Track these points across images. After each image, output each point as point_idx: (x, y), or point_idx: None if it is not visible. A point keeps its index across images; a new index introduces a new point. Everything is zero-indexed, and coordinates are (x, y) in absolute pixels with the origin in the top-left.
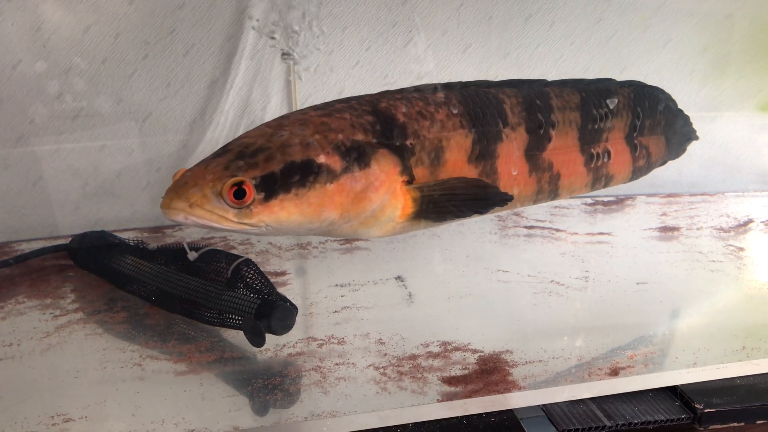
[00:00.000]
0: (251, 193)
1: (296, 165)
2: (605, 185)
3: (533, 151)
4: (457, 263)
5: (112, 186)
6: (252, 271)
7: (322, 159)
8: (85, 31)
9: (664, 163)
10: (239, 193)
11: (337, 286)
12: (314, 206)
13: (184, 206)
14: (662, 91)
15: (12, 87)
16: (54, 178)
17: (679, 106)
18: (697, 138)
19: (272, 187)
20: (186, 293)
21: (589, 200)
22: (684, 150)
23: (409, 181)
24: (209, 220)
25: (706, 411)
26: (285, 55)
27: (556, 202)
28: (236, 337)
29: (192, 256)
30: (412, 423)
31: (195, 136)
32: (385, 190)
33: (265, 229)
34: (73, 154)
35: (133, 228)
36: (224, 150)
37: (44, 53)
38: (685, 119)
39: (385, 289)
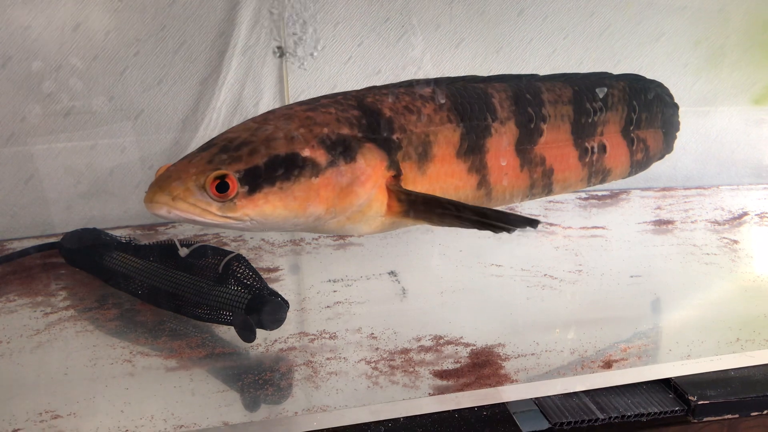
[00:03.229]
0: (235, 186)
1: (281, 158)
2: (603, 180)
3: (524, 146)
4: (451, 258)
5: (104, 184)
6: (243, 267)
7: (306, 152)
8: (75, 28)
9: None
10: (222, 186)
11: (329, 281)
12: (299, 200)
13: (167, 200)
14: (659, 85)
15: (2, 84)
16: (46, 176)
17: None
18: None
19: (256, 180)
20: (177, 289)
21: (583, 194)
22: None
23: (397, 176)
24: (192, 214)
25: (700, 403)
26: (278, 48)
27: (550, 197)
28: (227, 333)
29: (183, 252)
30: (403, 417)
31: (187, 134)
32: (372, 184)
33: (250, 224)
34: (65, 152)
35: (126, 226)
36: (209, 144)
37: (34, 51)
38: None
39: (378, 284)
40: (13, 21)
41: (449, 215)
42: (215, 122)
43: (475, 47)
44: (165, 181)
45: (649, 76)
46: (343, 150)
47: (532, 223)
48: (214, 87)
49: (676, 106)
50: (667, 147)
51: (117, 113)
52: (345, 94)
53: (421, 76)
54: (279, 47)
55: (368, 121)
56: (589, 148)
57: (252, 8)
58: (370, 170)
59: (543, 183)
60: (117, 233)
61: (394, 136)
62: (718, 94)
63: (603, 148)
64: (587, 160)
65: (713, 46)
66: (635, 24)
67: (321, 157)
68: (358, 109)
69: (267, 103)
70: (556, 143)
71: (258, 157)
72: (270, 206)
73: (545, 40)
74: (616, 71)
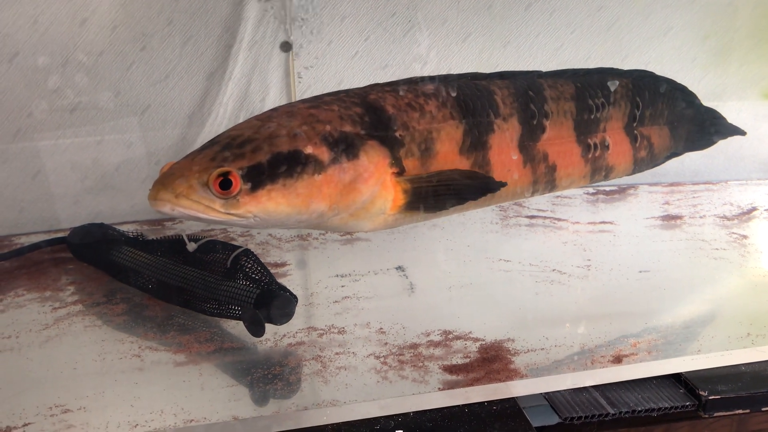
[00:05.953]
0: (237, 183)
1: (283, 155)
2: (606, 177)
3: (527, 142)
4: (459, 253)
5: (111, 179)
6: (251, 262)
7: (309, 150)
8: (82, 23)
9: (676, 154)
10: (225, 184)
11: (337, 276)
12: (302, 197)
13: (170, 197)
14: (669, 81)
15: (9, 80)
16: (53, 171)
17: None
18: (743, 133)
19: (259, 177)
20: (185, 284)
21: (591, 189)
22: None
23: (399, 173)
24: (196, 211)
25: (710, 398)
26: (284, 44)
27: (557, 192)
28: (236, 327)
29: (191, 247)
30: (413, 412)
31: (194, 129)
32: (375, 181)
33: (253, 221)
34: (72, 147)
35: (133, 221)
36: (212, 142)
37: (41, 46)
38: (713, 113)
39: (385, 279)
40: (20, 16)
41: (452, 189)
42: (222, 117)
43: (482, 42)
44: (168, 179)
45: (657, 71)
46: (345, 147)
47: None
48: (220, 82)
49: (691, 104)
50: (675, 144)
51: (123, 109)
52: (348, 91)
53: (427, 71)
54: (285, 42)
55: (371, 119)
56: (592, 144)
57: (258, 3)
58: (373, 167)
59: (546, 179)
60: (124, 228)
61: (397, 133)
62: (727, 88)
63: (605, 145)
64: (590, 156)
65: (722, 41)
66: (643, 18)
67: (324, 154)
68: (360, 107)
69: (273, 98)
70: (558, 140)
71: (261, 154)
72: (273, 203)
73: (553, 34)
74: (624, 66)
